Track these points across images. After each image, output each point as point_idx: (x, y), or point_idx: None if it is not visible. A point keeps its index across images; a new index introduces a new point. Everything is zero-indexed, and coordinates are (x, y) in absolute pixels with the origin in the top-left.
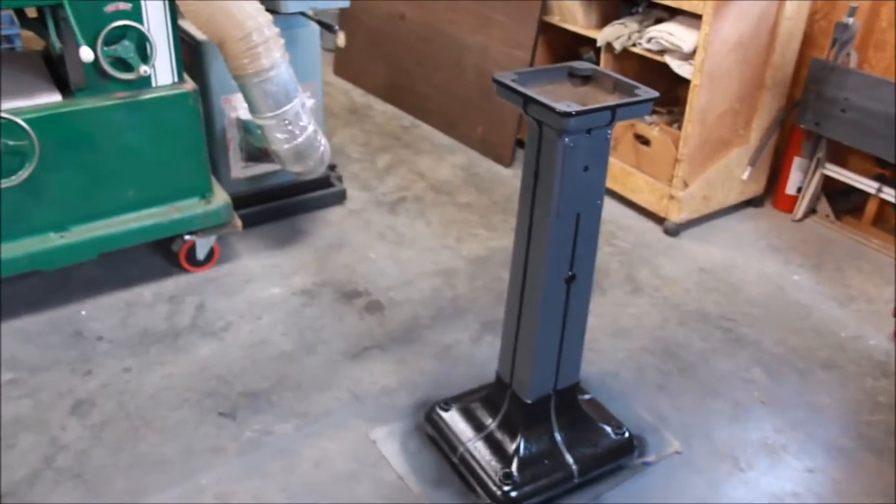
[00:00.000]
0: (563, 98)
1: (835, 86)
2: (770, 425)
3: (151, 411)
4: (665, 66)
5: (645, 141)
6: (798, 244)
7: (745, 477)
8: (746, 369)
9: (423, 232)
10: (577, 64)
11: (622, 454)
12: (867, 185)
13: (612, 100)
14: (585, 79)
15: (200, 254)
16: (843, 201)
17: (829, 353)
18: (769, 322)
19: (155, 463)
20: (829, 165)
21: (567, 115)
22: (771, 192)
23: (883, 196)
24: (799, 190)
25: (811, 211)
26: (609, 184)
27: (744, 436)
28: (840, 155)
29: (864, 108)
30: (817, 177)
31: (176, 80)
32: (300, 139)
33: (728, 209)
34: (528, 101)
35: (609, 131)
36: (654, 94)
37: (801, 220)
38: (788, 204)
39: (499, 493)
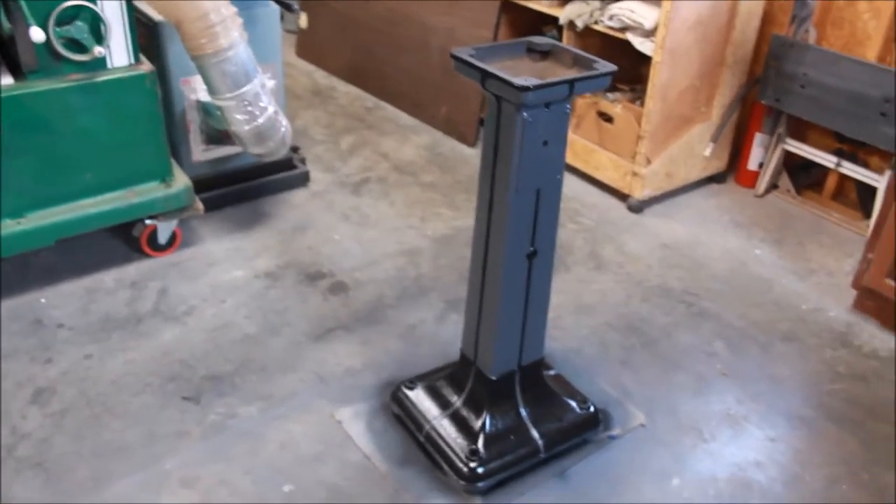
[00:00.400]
0: (522, 73)
1: (794, 62)
2: (732, 397)
3: (113, 397)
4: (628, 44)
5: (608, 118)
6: (760, 219)
7: (709, 448)
8: (709, 343)
9: (387, 212)
10: (536, 39)
11: (587, 428)
12: (827, 159)
13: (570, 74)
14: (544, 54)
15: (162, 238)
16: (803, 176)
17: (790, 325)
18: (731, 296)
19: (118, 449)
20: (789, 141)
21: (525, 89)
22: (733, 169)
23: (842, 170)
24: (760, 165)
25: (773, 186)
26: (573, 161)
27: (707, 408)
28: (800, 130)
29: (822, 83)
30: (778, 152)
31: (132, 61)
32: (260, 120)
33: (691, 185)
34: (486, 75)
35: (568, 105)
36: (612, 67)
37: (762, 195)
38: (750, 179)
39: (465, 469)
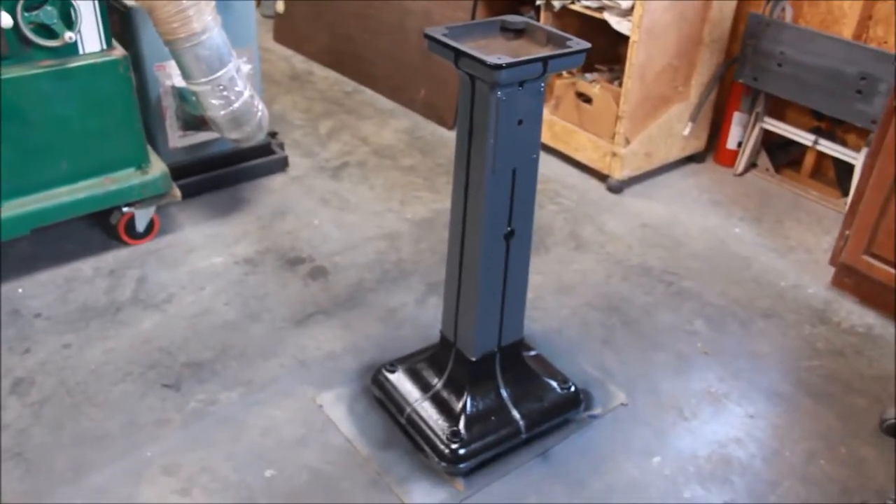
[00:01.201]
0: (496, 52)
1: (771, 40)
2: (713, 375)
3: (93, 386)
4: (605, 24)
5: (587, 99)
6: (739, 198)
7: (690, 426)
8: (689, 321)
9: (367, 196)
10: (509, 18)
11: (568, 408)
12: (804, 137)
13: (544, 52)
14: (518, 32)
15: (140, 226)
16: (781, 154)
17: (769, 302)
18: (711, 274)
19: (98, 438)
20: (767, 119)
21: (498, 67)
22: (712, 148)
23: (820, 148)
24: (739, 145)
25: (751, 165)
26: (552, 142)
27: (687, 386)
28: (778, 109)
29: (799, 61)
30: (757, 131)
31: (104, 47)
32: (236, 105)
33: (670, 165)
34: (459, 54)
35: (542, 84)
36: (586, 45)
37: (741, 174)
38: (729, 158)
39: (447, 451)
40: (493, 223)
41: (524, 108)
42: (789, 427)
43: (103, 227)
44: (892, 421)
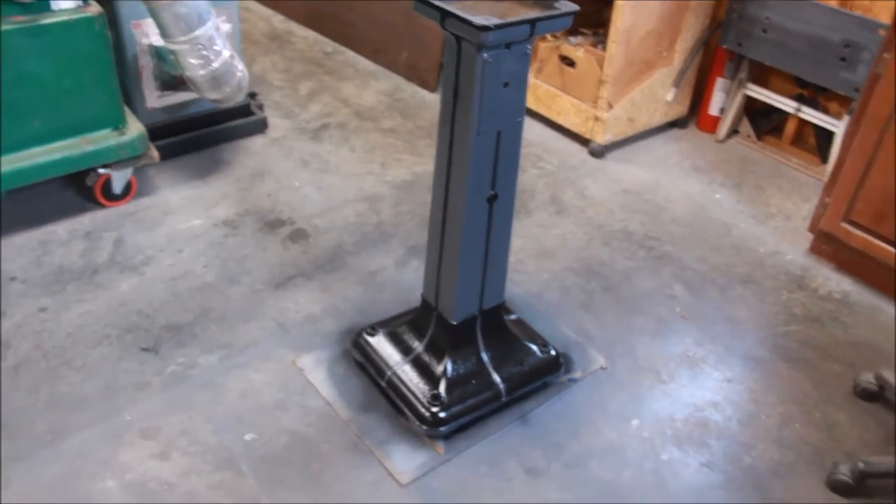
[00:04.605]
0: (482, 12)
1: (757, 6)
2: (691, 339)
3: (70, 350)
4: None
5: (570, 62)
6: (720, 164)
7: (667, 388)
8: (669, 286)
9: (348, 158)
10: None
11: (548, 372)
12: (787, 104)
13: (532, 14)
14: None
15: (117, 187)
16: (763, 121)
17: (748, 268)
18: (691, 240)
19: (76, 402)
20: (750, 86)
21: (485, 28)
22: (694, 114)
23: (802, 115)
24: (722, 111)
25: (733, 131)
26: (535, 106)
27: (665, 350)
28: (762, 75)
29: (784, 27)
30: (739, 97)
31: (79, 3)
32: (216, 64)
33: (652, 130)
34: (445, 14)
35: (529, 46)
36: (574, 7)
37: (723, 140)
38: (711, 125)
39: (427, 414)
40: (476, 186)
41: (510, 70)
42: (765, 391)
43: (79, 189)
44: (866, 385)
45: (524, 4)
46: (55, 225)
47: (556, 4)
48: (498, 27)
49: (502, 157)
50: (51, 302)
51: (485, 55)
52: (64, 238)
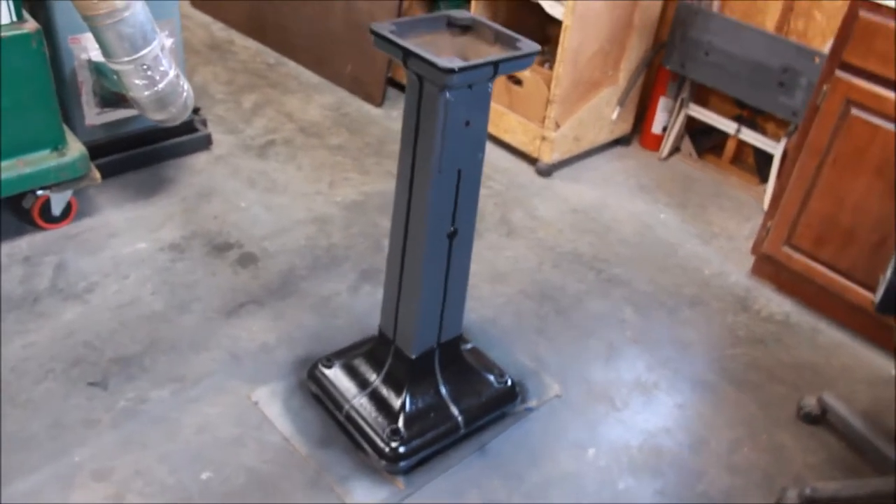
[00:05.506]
0: (443, 50)
1: (699, 29)
2: (642, 364)
3: (13, 385)
4: (535, 5)
5: (517, 81)
6: (664, 182)
7: (621, 416)
8: (619, 309)
9: (295, 177)
10: (455, 13)
11: (505, 402)
12: (727, 125)
13: (493, 52)
14: (465, 28)
15: (56, 209)
16: (704, 140)
17: (695, 290)
18: (639, 261)
19: (22, 442)
20: (692, 106)
21: (450, 71)
22: (638, 132)
23: (741, 137)
24: (664, 129)
25: (675, 150)
26: None
27: (618, 375)
28: (702, 95)
29: (726, 51)
30: (681, 117)
31: (14, 19)
32: (161, 85)
33: (598, 148)
34: (408, 54)
35: (490, 85)
36: (537, 47)
37: (666, 158)
38: (654, 143)
39: (387, 449)
40: (437, 223)
41: (472, 109)
42: (714, 416)
43: (15, 211)
44: (808, 410)
45: (484, 41)
46: None
47: (518, 44)
48: (462, 69)
49: (462, 194)
50: None
51: (447, 95)
52: (2, 263)
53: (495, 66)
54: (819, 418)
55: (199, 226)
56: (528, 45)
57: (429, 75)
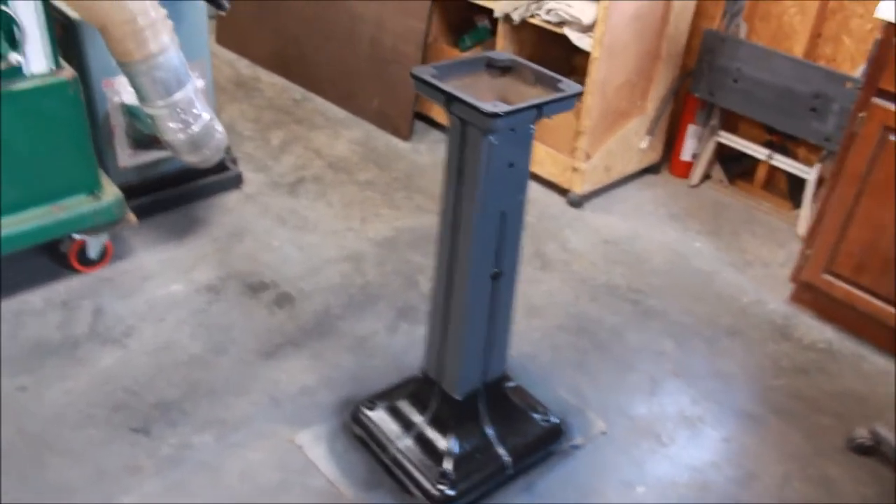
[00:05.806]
0: (484, 92)
1: (727, 56)
2: (686, 397)
3: (54, 433)
4: (561, 35)
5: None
6: (695, 210)
7: (668, 452)
8: (657, 341)
9: (326, 214)
10: (494, 54)
11: (551, 441)
12: (758, 151)
13: (534, 93)
14: (504, 69)
15: (92, 253)
16: (734, 166)
17: (733, 319)
18: (674, 291)
19: (65, 491)
20: (721, 133)
21: (494, 115)
22: (667, 160)
23: (774, 163)
24: (694, 156)
25: (706, 177)
26: None
27: (662, 410)
28: (731, 121)
29: (755, 78)
30: (711, 144)
31: (52, 67)
32: (195, 128)
33: (627, 178)
34: (451, 99)
35: (533, 127)
36: (579, 88)
37: (696, 185)
38: (684, 170)
39: (436, 492)
40: (480, 265)
41: (515, 151)
42: (761, 449)
43: (52, 255)
44: (861, 441)
45: (524, 82)
46: (29, 294)
47: (560, 85)
48: (508, 114)
49: (506, 235)
50: (30, 381)
51: (491, 139)
52: (39, 308)
53: (539, 108)
54: (872, 449)
55: (232, 266)
56: (571, 87)
57: (472, 119)
